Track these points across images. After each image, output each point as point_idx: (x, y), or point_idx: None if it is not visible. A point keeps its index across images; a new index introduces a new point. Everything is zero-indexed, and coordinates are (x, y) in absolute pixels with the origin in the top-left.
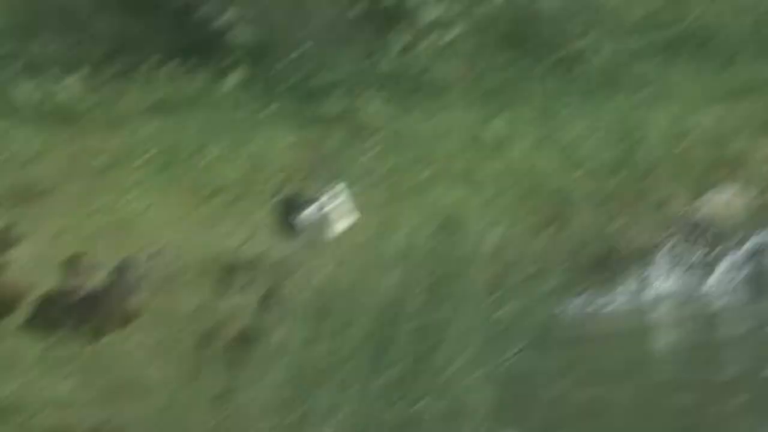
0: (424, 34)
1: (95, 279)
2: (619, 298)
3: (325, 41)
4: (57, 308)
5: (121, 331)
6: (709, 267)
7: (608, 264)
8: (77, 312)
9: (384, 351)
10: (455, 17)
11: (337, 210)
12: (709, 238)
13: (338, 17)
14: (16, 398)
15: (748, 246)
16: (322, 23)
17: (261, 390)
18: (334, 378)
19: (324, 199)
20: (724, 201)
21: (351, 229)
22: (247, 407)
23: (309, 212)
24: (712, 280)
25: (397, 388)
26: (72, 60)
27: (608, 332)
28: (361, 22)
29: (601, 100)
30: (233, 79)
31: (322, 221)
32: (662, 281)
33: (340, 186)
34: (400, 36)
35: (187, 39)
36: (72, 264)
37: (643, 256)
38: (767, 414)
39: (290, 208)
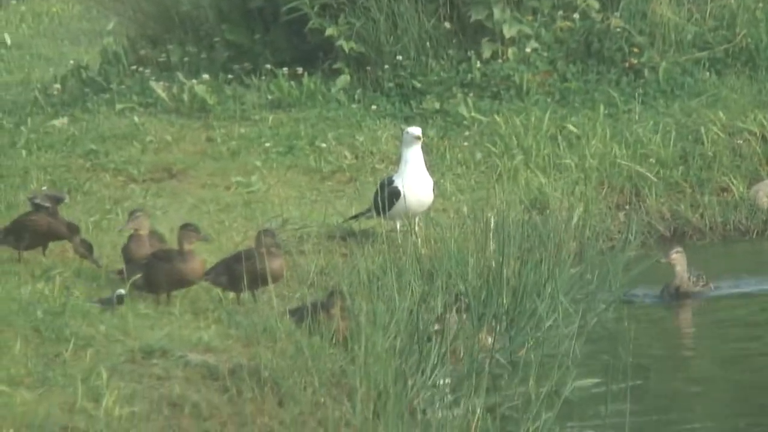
0: (508, 45)
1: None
2: None
3: (420, 50)
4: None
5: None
6: None
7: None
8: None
9: (489, 306)
10: (535, 31)
11: None
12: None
13: (432, 30)
14: (168, 341)
15: None
16: (418, 35)
17: (378, 339)
18: (445, 328)
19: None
20: None
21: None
22: (363, 354)
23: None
24: None
25: (501, 339)
26: (199, 63)
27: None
28: (452, 35)
29: (663, 104)
30: (341, 81)
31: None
32: None
33: None
34: (487, 46)
35: (300, 47)
36: None
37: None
38: None
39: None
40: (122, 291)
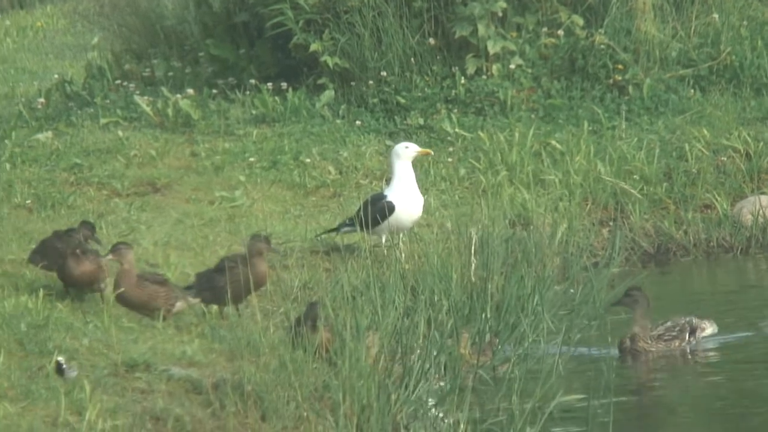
0: (492, 61)
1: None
2: None
3: (405, 66)
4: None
5: (249, 300)
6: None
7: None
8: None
9: (472, 322)
10: (519, 47)
11: None
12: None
13: (416, 46)
14: (151, 354)
15: None
16: (403, 51)
17: (362, 354)
18: (428, 344)
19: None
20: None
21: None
22: (347, 368)
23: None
24: None
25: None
26: (184, 78)
27: None
28: (436, 51)
29: (647, 120)
30: (325, 97)
31: None
32: None
33: None
34: (472, 63)
35: (284, 62)
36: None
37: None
38: None
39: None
40: (61, 359)
